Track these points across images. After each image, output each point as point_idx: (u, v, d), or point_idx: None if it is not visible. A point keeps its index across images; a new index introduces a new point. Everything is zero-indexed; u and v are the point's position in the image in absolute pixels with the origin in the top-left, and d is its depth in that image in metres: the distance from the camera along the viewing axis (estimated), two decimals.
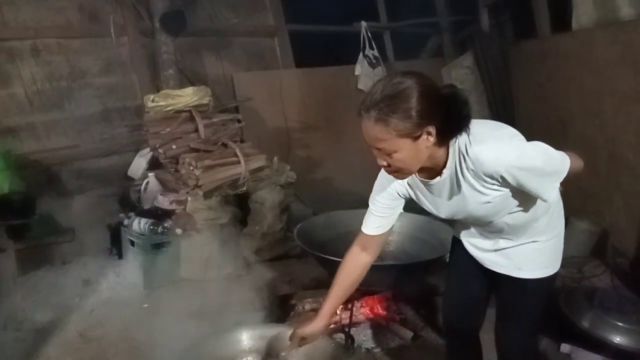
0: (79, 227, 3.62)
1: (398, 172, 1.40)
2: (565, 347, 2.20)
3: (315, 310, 2.58)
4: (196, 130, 3.47)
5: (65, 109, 3.80)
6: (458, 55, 4.99)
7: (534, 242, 1.58)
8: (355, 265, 1.68)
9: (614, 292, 2.36)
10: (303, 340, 1.72)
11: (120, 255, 3.56)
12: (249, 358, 1.91)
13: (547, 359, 2.22)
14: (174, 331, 2.72)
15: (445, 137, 1.35)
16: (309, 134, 4.60)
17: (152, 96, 3.55)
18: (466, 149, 1.36)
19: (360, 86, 4.76)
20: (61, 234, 3.52)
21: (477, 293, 1.78)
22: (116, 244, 3.58)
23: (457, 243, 1.78)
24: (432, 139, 1.32)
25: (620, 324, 2.09)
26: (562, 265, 2.68)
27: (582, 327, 2.16)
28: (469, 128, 1.34)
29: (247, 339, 1.94)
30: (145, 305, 3.08)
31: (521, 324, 1.67)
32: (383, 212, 1.61)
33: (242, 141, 3.73)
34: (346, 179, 4.47)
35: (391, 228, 1.65)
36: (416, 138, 1.31)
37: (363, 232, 1.64)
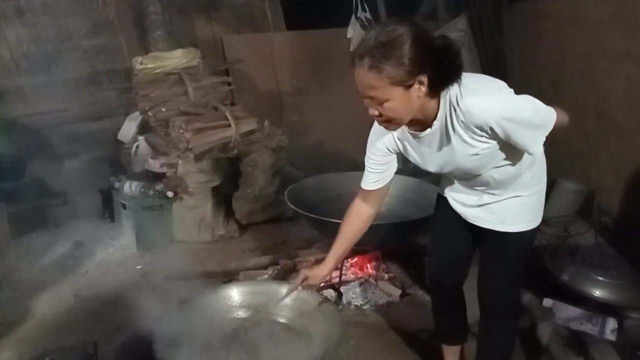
0: (71, 191, 3.64)
1: (389, 123, 1.41)
2: (547, 302, 2.26)
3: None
4: (186, 93, 3.44)
5: (52, 71, 3.75)
6: (452, 18, 4.92)
7: (517, 196, 1.60)
8: (358, 215, 1.73)
9: (596, 248, 2.41)
10: (305, 281, 1.81)
11: (112, 219, 3.60)
12: (239, 313, 1.95)
13: (529, 313, 2.28)
14: (167, 290, 2.79)
15: (436, 87, 1.36)
16: (301, 98, 4.57)
17: (140, 58, 3.51)
18: (457, 101, 1.37)
19: (352, 49, 4.70)
20: (53, 197, 3.54)
21: (461, 248, 1.82)
22: (108, 207, 3.61)
23: (441, 200, 1.80)
24: (423, 89, 1.33)
25: (600, 278, 2.15)
26: (549, 224, 2.78)
27: (564, 281, 2.21)
28: (460, 79, 1.35)
29: (237, 294, 1.98)
30: (139, 267, 3.12)
31: (503, 276, 1.71)
32: (377, 168, 1.65)
33: (232, 104, 3.72)
34: (338, 143, 4.47)
35: (390, 181, 1.69)
36: (408, 87, 1.31)
37: (362, 188, 1.70)
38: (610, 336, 2.04)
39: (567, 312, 2.18)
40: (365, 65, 1.30)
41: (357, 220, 1.74)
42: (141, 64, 3.47)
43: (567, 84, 3.12)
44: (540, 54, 3.44)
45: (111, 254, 3.27)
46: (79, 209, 3.61)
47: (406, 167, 1.75)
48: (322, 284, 2.48)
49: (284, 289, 1.94)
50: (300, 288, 1.84)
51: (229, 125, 3.38)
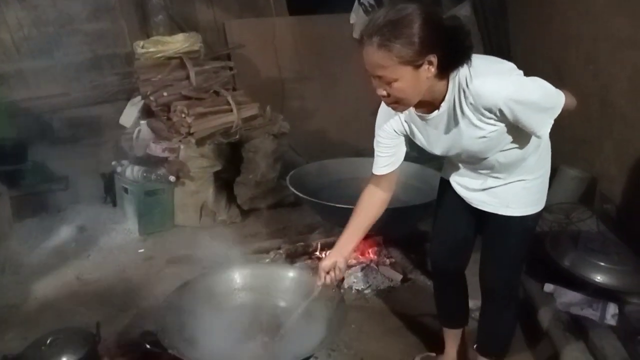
0: (73, 176, 3.64)
1: (397, 103, 1.40)
2: (548, 287, 2.26)
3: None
4: (187, 78, 3.42)
5: (54, 55, 3.73)
6: (455, 4, 4.88)
7: (522, 180, 1.60)
8: (371, 199, 1.70)
9: (598, 234, 2.41)
10: (337, 271, 1.67)
11: (114, 203, 3.60)
12: (240, 295, 1.96)
13: (530, 298, 2.29)
14: (169, 274, 2.81)
15: (446, 68, 1.35)
16: (303, 84, 4.54)
17: (142, 42, 3.49)
18: (467, 82, 1.36)
19: (355, 35, 4.65)
20: (55, 181, 3.55)
21: (463, 233, 1.81)
22: (110, 192, 3.61)
23: (444, 184, 1.80)
24: (433, 69, 1.32)
25: (602, 263, 2.15)
26: (551, 211, 2.77)
27: (566, 267, 2.21)
28: (470, 61, 1.34)
29: (239, 277, 1.99)
30: (141, 251, 3.14)
31: (506, 260, 1.71)
32: (387, 152, 1.64)
33: (234, 89, 3.70)
34: (339, 130, 4.46)
35: (399, 165, 1.67)
36: (417, 67, 1.30)
37: (374, 173, 1.68)
38: (611, 321, 2.05)
39: (567, 298, 2.18)
40: (375, 43, 1.28)
41: (370, 205, 1.70)
42: (142, 48, 3.45)
43: (571, 70, 3.10)
44: (545, 40, 3.42)
45: (113, 238, 3.29)
46: (81, 194, 3.62)
47: (408, 155, 1.74)
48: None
49: (285, 271, 1.95)
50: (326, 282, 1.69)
51: (231, 110, 3.37)
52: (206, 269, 2.45)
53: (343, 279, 2.59)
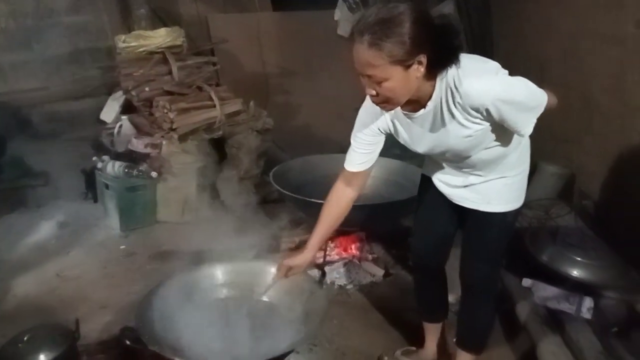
0: (53, 171, 3.59)
1: (386, 103, 1.40)
2: (526, 282, 2.31)
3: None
4: (170, 73, 3.40)
5: (33, 49, 3.67)
6: (440, 2, 4.91)
7: (503, 177, 1.62)
8: (340, 199, 1.71)
9: (576, 230, 2.46)
10: (290, 271, 1.76)
11: (95, 199, 3.56)
12: (223, 291, 1.96)
13: (509, 292, 2.33)
14: (151, 270, 2.79)
15: (434, 68, 1.35)
16: (288, 80, 4.53)
17: (123, 36, 3.45)
18: (454, 82, 1.37)
19: (339, 32, 4.66)
20: (34, 177, 3.50)
21: (444, 228, 1.84)
22: (91, 188, 3.56)
23: (426, 181, 1.81)
24: (422, 69, 1.32)
25: (579, 259, 2.19)
26: (530, 207, 2.82)
27: (544, 262, 2.26)
28: (459, 60, 1.35)
29: (221, 273, 1.99)
30: (122, 247, 3.11)
31: (486, 255, 1.73)
32: (365, 149, 1.64)
33: (217, 85, 3.67)
34: (324, 126, 4.45)
35: (372, 165, 1.67)
36: (408, 67, 1.30)
37: (346, 169, 1.68)
38: (586, 314, 2.09)
39: (545, 292, 2.23)
40: (365, 42, 1.28)
41: (338, 205, 1.72)
42: (124, 42, 3.41)
43: (552, 66, 3.14)
44: (527, 36, 3.46)
45: (94, 235, 3.25)
46: (61, 190, 3.56)
47: (391, 152, 1.75)
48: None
49: (268, 267, 1.95)
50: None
51: (214, 106, 3.35)
52: (188, 265, 2.44)
53: (325, 274, 2.61)
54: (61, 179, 3.56)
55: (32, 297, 2.58)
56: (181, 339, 1.67)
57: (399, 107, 1.50)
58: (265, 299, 1.89)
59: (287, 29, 4.50)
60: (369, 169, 1.68)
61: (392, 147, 1.76)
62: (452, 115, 1.42)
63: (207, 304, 1.91)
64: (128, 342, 1.67)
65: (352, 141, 1.66)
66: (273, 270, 1.91)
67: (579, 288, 2.17)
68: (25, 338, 1.59)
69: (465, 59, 1.38)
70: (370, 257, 2.82)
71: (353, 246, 2.84)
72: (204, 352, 1.65)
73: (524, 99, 1.39)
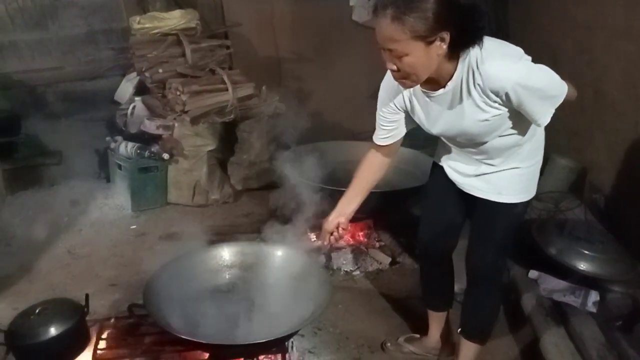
0: (67, 151, 3.65)
1: (406, 79, 1.40)
2: (533, 274, 2.30)
3: None
4: (183, 55, 3.40)
5: (49, 28, 3.69)
6: None
7: (515, 168, 1.61)
8: (373, 162, 1.73)
9: (584, 223, 2.43)
10: (339, 228, 1.73)
11: (108, 179, 3.61)
12: (229, 272, 1.99)
13: (515, 284, 2.33)
14: (160, 250, 2.83)
15: (457, 47, 1.35)
16: (300, 66, 4.51)
17: (138, 18, 3.45)
18: (477, 64, 1.36)
19: (354, 17, 4.61)
20: (48, 156, 3.55)
21: (452, 217, 1.83)
22: (104, 168, 3.61)
23: (436, 168, 1.81)
24: (444, 47, 1.32)
25: (586, 252, 2.18)
26: (540, 199, 2.80)
27: (551, 254, 2.23)
28: (482, 42, 1.34)
29: (227, 254, 2.01)
30: (133, 227, 3.16)
31: (493, 245, 1.72)
32: (387, 125, 1.66)
33: (230, 68, 3.68)
34: (336, 113, 4.44)
35: (401, 139, 1.69)
36: (429, 43, 1.30)
37: (374, 141, 1.71)
38: (592, 308, 2.08)
39: (551, 284, 2.22)
40: (388, 15, 1.28)
41: (373, 167, 1.74)
42: (139, 23, 3.42)
43: (566, 59, 3.09)
44: (542, 27, 3.41)
45: (106, 214, 3.31)
46: (74, 169, 3.63)
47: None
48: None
49: (274, 250, 1.97)
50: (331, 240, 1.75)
51: (226, 89, 3.36)
52: (197, 247, 2.47)
53: (330, 258, 2.63)
54: (75, 158, 3.62)
55: (43, 273, 2.64)
56: (187, 317, 1.71)
57: (418, 86, 1.49)
58: (270, 281, 1.91)
59: (301, 14, 4.46)
60: (396, 144, 1.70)
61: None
62: (471, 97, 1.41)
63: (214, 284, 1.93)
64: (135, 318, 1.70)
65: (377, 117, 1.68)
66: (279, 253, 1.94)
67: (585, 281, 2.16)
68: (37, 311, 1.62)
69: (489, 41, 1.37)
70: (377, 244, 2.83)
71: (361, 233, 2.85)
72: (208, 331, 1.68)
73: (544, 87, 1.37)
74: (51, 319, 1.61)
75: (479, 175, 1.65)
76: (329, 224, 1.73)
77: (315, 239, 2.47)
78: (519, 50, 1.40)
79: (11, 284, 2.52)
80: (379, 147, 1.72)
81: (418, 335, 2.15)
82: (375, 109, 1.69)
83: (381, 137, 1.69)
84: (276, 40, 4.39)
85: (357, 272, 2.65)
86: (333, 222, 1.72)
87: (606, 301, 2.11)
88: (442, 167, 1.76)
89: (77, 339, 1.69)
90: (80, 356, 1.70)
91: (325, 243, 1.77)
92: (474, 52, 1.36)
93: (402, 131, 1.68)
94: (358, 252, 2.74)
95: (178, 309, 1.72)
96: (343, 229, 1.74)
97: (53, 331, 1.59)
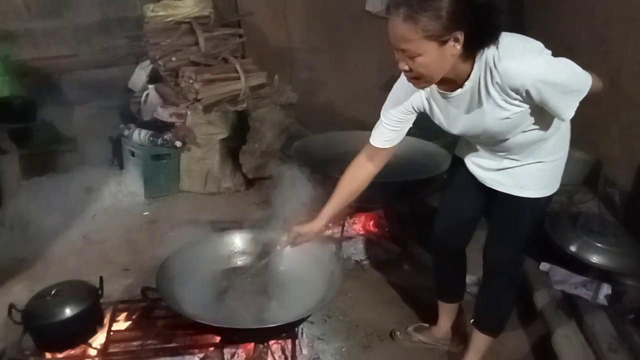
0: (81, 138, 3.68)
1: (419, 80, 1.36)
2: (544, 266, 2.29)
3: None
4: (196, 43, 3.41)
5: (63, 16, 3.73)
6: None
7: (539, 162, 1.58)
8: (359, 172, 1.68)
9: (597, 216, 2.42)
10: (299, 238, 1.75)
11: (121, 166, 3.64)
12: (241, 259, 2.00)
13: (526, 276, 2.32)
14: (172, 237, 2.85)
15: (472, 47, 1.31)
16: (313, 56, 4.50)
17: (152, 6, 3.47)
18: (494, 62, 1.32)
19: (367, 7, 4.59)
20: (63, 142, 3.58)
21: (470, 211, 1.82)
22: (117, 155, 3.64)
23: (458, 162, 1.78)
24: (458, 47, 1.28)
25: (599, 245, 2.16)
26: (554, 193, 2.78)
27: (564, 247, 2.22)
28: (498, 41, 1.31)
29: (239, 241, 2.03)
30: (146, 213, 3.19)
31: (513, 240, 1.71)
32: (394, 126, 1.60)
33: (243, 57, 3.69)
34: (348, 104, 4.44)
35: (398, 143, 1.64)
36: (443, 42, 1.26)
37: (371, 144, 1.64)
38: (603, 301, 2.08)
39: (562, 277, 2.21)
40: (401, 15, 1.25)
41: (356, 178, 1.69)
42: (152, 11, 3.44)
43: (582, 50, 3.05)
44: (559, 18, 3.37)
45: (119, 201, 3.34)
46: (88, 156, 3.65)
47: (410, 132, 1.70)
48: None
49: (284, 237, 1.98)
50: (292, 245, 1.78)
51: (239, 78, 3.37)
52: (209, 233, 2.50)
53: (341, 247, 2.64)
54: (89, 145, 3.65)
55: (58, 257, 2.68)
56: (199, 301, 1.73)
57: (434, 86, 1.46)
58: (281, 267, 1.93)
59: (314, 4, 4.44)
60: (393, 147, 1.64)
61: (412, 127, 1.73)
62: (490, 96, 1.37)
63: (225, 269, 1.95)
64: (148, 301, 1.73)
65: (382, 116, 1.62)
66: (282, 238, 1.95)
67: (598, 274, 2.15)
68: (53, 292, 1.65)
69: (507, 37, 1.33)
70: (388, 234, 2.83)
71: (371, 223, 2.86)
72: (219, 315, 1.70)
73: (566, 81, 1.33)
74: (66, 300, 1.63)
75: (501, 169, 1.62)
76: (299, 228, 1.73)
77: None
78: (538, 45, 1.36)
79: (27, 267, 2.57)
80: (373, 153, 1.65)
81: (427, 325, 2.15)
82: None
83: (383, 138, 1.61)
84: (289, 29, 4.38)
85: (367, 262, 2.65)
86: (303, 228, 1.73)
87: (618, 294, 2.10)
88: (463, 161, 1.74)
89: (91, 320, 1.72)
90: (94, 337, 1.73)
91: (284, 240, 1.78)
92: (490, 51, 1.32)
93: (404, 133, 1.63)
94: (369, 242, 2.75)
95: (190, 293, 1.74)
96: (306, 238, 1.75)
97: (68, 312, 1.61)
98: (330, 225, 2.08)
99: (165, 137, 3.31)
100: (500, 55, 1.32)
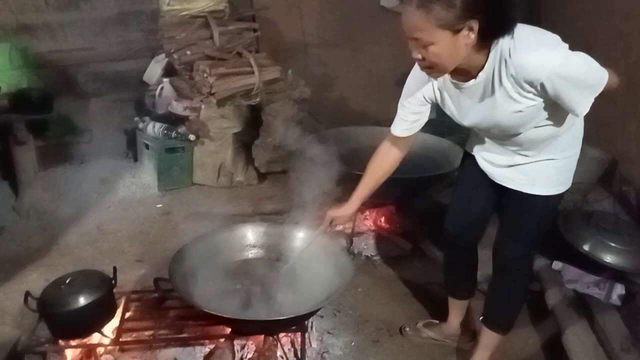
0: (96, 130, 3.72)
1: (432, 69, 1.36)
2: (557, 264, 2.27)
3: None
4: (211, 37, 3.43)
5: (81, 9, 3.77)
6: None
7: (551, 159, 1.56)
8: (386, 156, 1.73)
9: (611, 214, 2.39)
10: (333, 222, 1.82)
11: (135, 158, 3.68)
12: (252, 251, 2.02)
13: (538, 275, 2.30)
14: (185, 229, 2.89)
15: (486, 37, 1.30)
16: (327, 51, 4.49)
17: (167, 0, 3.49)
18: (509, 53, 1.31)
19: (382, 3, 4.56)
20: (79, 134, 3.64)
21: (481, 209, 1.80)
22: (132, 147, 3.68)
23: (468, 158, 1.77)
24: (472, 36, 1.27)
25: (612, 244, 2.14)
26: (568, 191, 2.75)
27: (577, 246, 2.20)
28: (514, 32, 1.29)
29: (251, 234, 2.05)
30: (159, 206, 3.23)
31: (524, 237, 1.69)
32: (410, 117, 1.63)
33: (257, 51, 3.69)
34: (361, 99, 4.43)
35: (417, 131, 1.68)
36: (456, 32, 1.25)
37: (391, 132, 1.69)
38: (616, 301, 2.06)
39: (575, 276, 2.19)
40: (414, 3, 1.25)
41: (384, 162, 1.73)
42: (168, 5, 3.45)
43: (600, 46, 3.00)
44: (576, 13, 3.32)
45: (133, 192, 3.38)
46: (103, 148, 3.70)
47: (424, 128, 1.71)
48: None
49: (296, 232, 1.99)
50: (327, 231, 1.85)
51: (253, 72, 3.38)
52: (221, 226, 2.52)
53: (352, 242, 2.65)
54: (104, 137, 3.70)
55: (73, 247, 2.73)
56: (210, 293, 1.75)
57: (448, 76, 1.45)
58: (292, 261, 1.94)
59: None
60: (414, 135, 1.69)
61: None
62: (504, 88, 1.36)
63: (237, 262, 1.97)
64: (161, 291, 1.75)
65: (399, 108, 1.65)
66: (301, 234, 1.96)
67: (611, 274, 2.13)
68: (67, 281, 1.68)
69: (523, 29, 1.32)
70: (399, 230, 2.83)
71: (383, 219, 2.86)
72: (230, 307, 1.72)
73: (582, 75, 1.31)
74: (80, 289, 1.67)
75: (513, 165, 1.61)
76: (334, 212, 1.81)
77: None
78: (555, 38, 1.33)
79: (42, 256, 2.61)
80: (395, 140, 1.69)
81: (437, 321, 2.15)
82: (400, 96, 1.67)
83: (401, 128, 1.66)
84: (303, 24, 4.37)
85: (378, 257, 2.65)
86: (338, 212, 1.80)
87: (632, 294, 2.08)
88: (474, 157, 1.73)
89: (104, 309, 1.75)
90: (107, 326, 1.76)
91: (322, 228, 1.84)
92: (505, 42, 1.31)
93: (422, 123, 1.66)
94: (379, 237, 2.75)
95: (202, 285, 1.76)
96: (343, 221, 1.84)
97: (82, 300, 1.65)
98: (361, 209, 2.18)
99: (179, 130, 3.33)
100: (515, 46, 1.30)
